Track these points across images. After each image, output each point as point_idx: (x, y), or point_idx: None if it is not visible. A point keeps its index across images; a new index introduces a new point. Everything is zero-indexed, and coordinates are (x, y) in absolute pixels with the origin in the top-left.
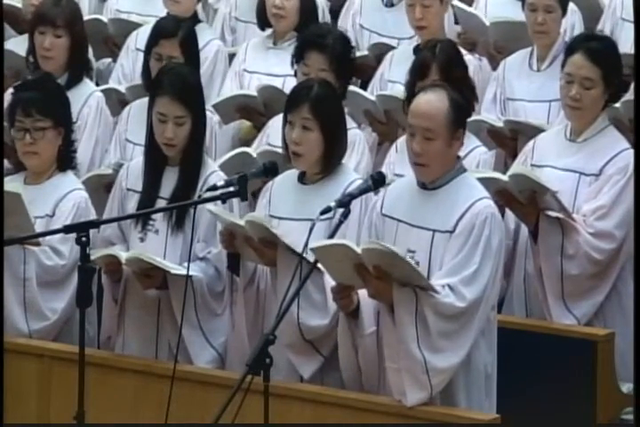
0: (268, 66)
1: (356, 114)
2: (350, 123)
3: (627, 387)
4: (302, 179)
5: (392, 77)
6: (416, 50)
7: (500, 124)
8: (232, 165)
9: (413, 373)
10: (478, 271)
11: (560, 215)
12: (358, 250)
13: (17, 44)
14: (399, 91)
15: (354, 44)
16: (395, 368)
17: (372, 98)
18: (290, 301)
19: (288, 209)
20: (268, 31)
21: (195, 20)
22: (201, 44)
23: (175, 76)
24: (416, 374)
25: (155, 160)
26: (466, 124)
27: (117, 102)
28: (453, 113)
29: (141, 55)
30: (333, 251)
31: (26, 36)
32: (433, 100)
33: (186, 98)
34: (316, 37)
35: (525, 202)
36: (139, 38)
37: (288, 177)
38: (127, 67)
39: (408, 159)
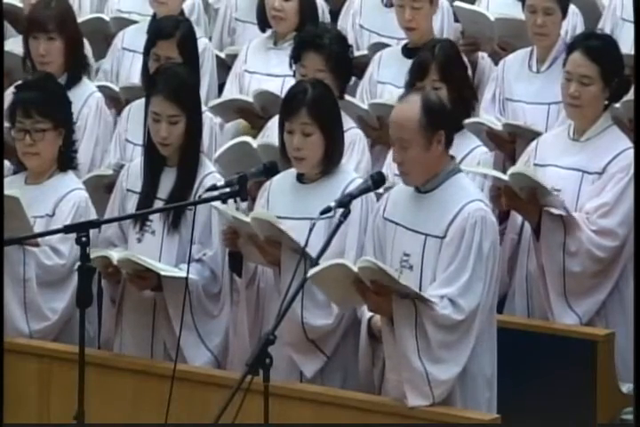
0: (268, 66)
1: (351, 118)
2: (349, 122)
3: (627, 387)
4: (301, 178)
5: (381, 79)
6: (405, 50)
7: (499, 128)
8: (232, 156)
9: (416, 384)
10: (472, 279)
11: (562, 212)
12: (355, 268)
13: (15, 44)
14: (391, 98)
15: (354, 44)
16: (396, 380)
17: (364, 106)
18: (290, 300)
19: (287, 208)
20: (269, 32)
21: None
22: None
23: (169, 75)
24: (418, 385)
25: (153, 161)
26: (446, 124)
27: (109, 98)
28: (425, 118)
29: (127, 54)
30: (330, 272)
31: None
32: (404, 110)
33: (179, 97)
34: (312, 37)
35: (526, 199)
36: (125, 38)
37: (286, 176)
38: (113, 66)
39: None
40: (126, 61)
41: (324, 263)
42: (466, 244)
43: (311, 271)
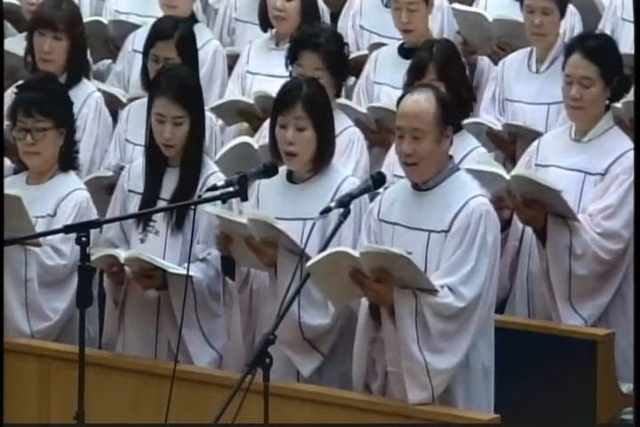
0: (269, 67)
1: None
2: (347, 122)
3: (627, 387)
4: (291, 177)
5: (378, 79)
6: (401, 49)
7: (499, 128)
8: (233, 156)
9: (415, 374)
10: (475, 269)
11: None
12: (356, 254)
13: (13, 43)
14: (389, 102)
15: (354, 44)
16: (397, 372)
17: (362, 110)
18: (290, 300)
19: (278, 209)
20: (270, 32)
21: (192, 20)
22: (199, 44)
23: (173, 76)
24: (417, 375)
25: (155, 161)
26: (454, 121)
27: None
28: (441, 111)
29: (138, 56)
30: (329, 262)
31: (23, 35)
32: (420, 100)
33: (183, 98)
34: (308, 37)
35: (528, 204)
36: (136, 40)
37: (276, 176)
38: (125, 68)
39: (398, 161)
40: (137, 63)
41: (323, 253)
42: (470, 236)
43: (310, 261)
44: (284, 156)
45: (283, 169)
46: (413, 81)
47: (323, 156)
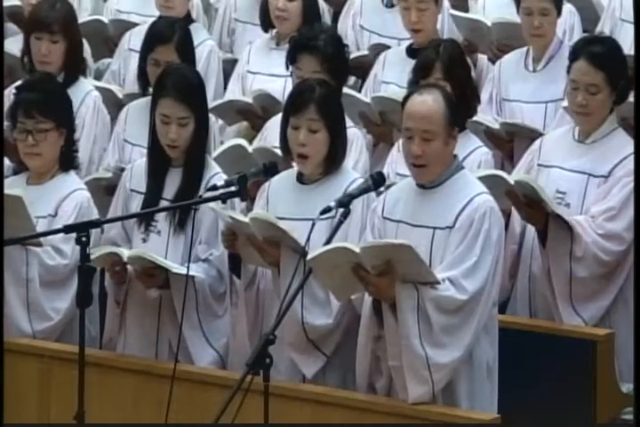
0: (270, 66)
1: (351, 116)
2: (348, 121)
3: (627, 387)
4: (301, 178)
5: (386, 78)
6: (409, 50)
7: (497, 126)
8: (226, 158)
9: (415, 369)
10: (478, 264)
11: (568, 219)
12: (357, 249)
13: (12, 44)
14: (394, 92)
15: (354, 44)
16: (398, 366)
17: (367, 100)
18: (290, 299)
19: (288, 209)
20: (272, 32)
21: (188, 20)
22: (194, 43)
23: (178, 77)
24: (418, 370)
25: (158, 161)
26: (460, 121)
27: (113, 103)
28: (450, 112)
29: (134, 55)
30: (330, 256)
31: (21, 36)
32: (429, 101)
33: (189, 99)
34: (306, 40)
35: (530, 205)
36: (132, 39)
37: (286, 177)
38: (121, 67)
39: (405, 162)
40: (133, 62)
41: (323, 247)
42: (474, 231)
43: (311, 255)
44: (295, 157)
45: (293, 170)
46: (418, 80)
47: (334, 157)
